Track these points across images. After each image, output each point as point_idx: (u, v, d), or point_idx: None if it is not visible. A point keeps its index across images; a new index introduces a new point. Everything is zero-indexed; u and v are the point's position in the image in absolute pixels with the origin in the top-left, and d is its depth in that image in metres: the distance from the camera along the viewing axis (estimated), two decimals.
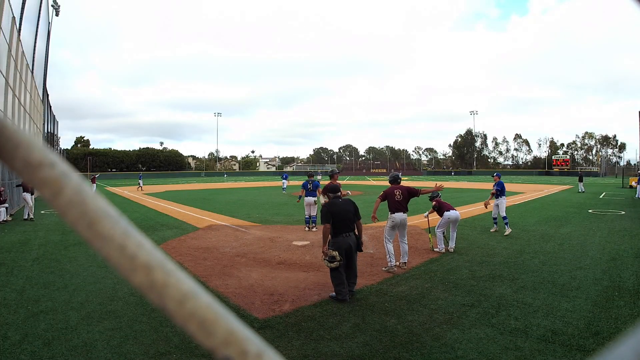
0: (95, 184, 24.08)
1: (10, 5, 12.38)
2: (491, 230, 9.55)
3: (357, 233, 5.15)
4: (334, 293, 4.87)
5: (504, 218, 9.16)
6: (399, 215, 6.15)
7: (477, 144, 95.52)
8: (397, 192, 6.22)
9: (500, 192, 9.42)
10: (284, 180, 26.91)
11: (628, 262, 6.46)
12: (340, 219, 4.96)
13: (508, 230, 9.00)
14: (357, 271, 5.13)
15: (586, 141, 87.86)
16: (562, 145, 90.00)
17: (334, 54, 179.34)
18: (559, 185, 32.84)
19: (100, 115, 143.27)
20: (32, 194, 12.31)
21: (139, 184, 29.90)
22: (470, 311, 4.37)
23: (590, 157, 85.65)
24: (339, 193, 5.34)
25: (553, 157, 79.37)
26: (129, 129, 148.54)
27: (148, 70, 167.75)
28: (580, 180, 26.03)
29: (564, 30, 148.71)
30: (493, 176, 9.96)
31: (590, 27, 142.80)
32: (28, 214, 12.42)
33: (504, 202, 9.40)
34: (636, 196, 20.54)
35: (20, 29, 14.52)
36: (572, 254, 7.12)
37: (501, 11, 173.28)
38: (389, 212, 6.19)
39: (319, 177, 43.28)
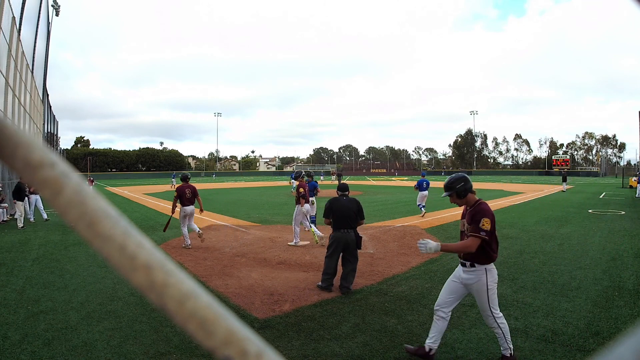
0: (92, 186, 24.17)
1: (10, 5, 12.38)
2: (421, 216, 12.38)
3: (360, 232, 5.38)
4: (319, 282, 5.25)
5: (419, 205, 12.63)
6: (189, 208, 8.01)
7: (477, 144, 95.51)
8: (188, 191, 8.02)
9: (419, 187, 12.69)
10: (292, 180, 27.15)
11: (628, 262, 6.46)
12: (340, 216, 5.21)
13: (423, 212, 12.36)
14: (356, 268, 5.26)
15: (586, 141, 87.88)
16: (562, 145, 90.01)
17: (333, 55, 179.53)
18: (559, 185, 32.82)
19: (100, 115, 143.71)
20: (22, 201, 11.33)
21: (172, 182, 31.60)
22: (470, 311, 4.36)
23: (590, 157, 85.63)
24: (347, 192, 5.58)
25: (553, 157, 79.33)
26: (129, 129, 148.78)
27: (148, 71, 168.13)
28: (564, 180, 26.57)
29: (561, 30, 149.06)
30: (422, 174, 13.84)
31: (587, 27, 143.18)
32: (22, 221, 11.19)
33: (422, 194, 12.61)
34: (636, 196, 20.54)
35: (20, 29, 14.51)
36: (572, 254, 7.12)
37: (499, 12, 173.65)
38: (181, 205, 7.97)
39: (321, 178, 43.31)
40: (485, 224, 3.06)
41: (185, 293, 0.26)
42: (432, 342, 3.28)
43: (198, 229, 8.00)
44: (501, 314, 3.21)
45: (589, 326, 3.93)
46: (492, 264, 3.20)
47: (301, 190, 8.34)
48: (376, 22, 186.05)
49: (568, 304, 4.54)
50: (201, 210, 8.50)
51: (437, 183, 40.03)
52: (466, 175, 3.31)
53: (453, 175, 3.33)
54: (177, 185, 8.47)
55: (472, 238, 3.07)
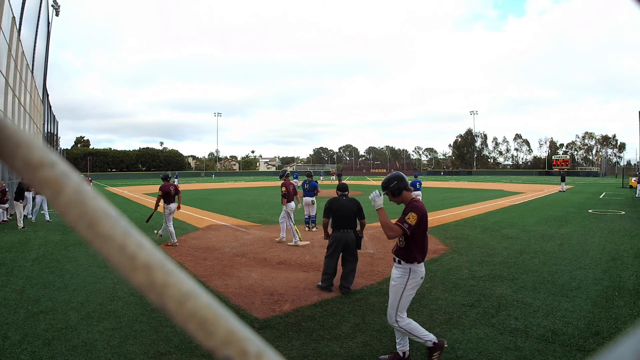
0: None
1: (10, 5, 12.38)
2: None
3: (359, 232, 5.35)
4: (319, 282, 5.25)
5: None
6: (174, 205, 8.47)
7: (477, 144, 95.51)
8: (172, 189, 8.49)
9: (412, 187, 12.47)
10: (295, 180, 27.26)
11: (628, 262, 6.47)
12: (340, 216, 5.22)
13: None
14: (356, 268, 5.26)
15: (586, 141, 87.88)
16: (562, 145, 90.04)
17: (333, 55, 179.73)
18: (559, 185, 32.85)
19: (100, 115, 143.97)
20: (21, 200, 11.20)
21: (174, 182, 32.17)
22: (470, 311, 4.37)
23: (590, 157, 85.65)
24: (347, 192, 5.60)
25: (553, 157, 79.30)
26: (129, 129, 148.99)
27: (148, 71, 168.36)
28: (563, 180, 26.71)
29: (561, 30, 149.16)
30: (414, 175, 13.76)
31: (587, 27, 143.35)
32: (22, 221, 11.05)
33: (415, 193, 12.62)
34: (636, 196, 20.54)
35: (20, 29, 14.52)
36: (572, 254, 7.12)
37: (499, 12, 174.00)
38: (165, 203, 8.33)
39: (321, 178, 43.31)
40: (411, 217, 3.13)
41: (185, 293, 0.26)
42: (401, 346, 3.30)
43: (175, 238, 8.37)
44: (403, 318, 3.20)
45: (589, 326, 3.93)
46: (419, 266, 3.24)
47: (283, 189, 8.41)
48: (376, 22, 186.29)
49: (568, 304, 4.54)
50: (179, 208, 8.71)
51: (437, 183, 39.86)
52: (402, 174, 3.37)
53: (389, 174, 3.41)
54: (177, 185, 8.73)
55: (396, 225, 3.15)
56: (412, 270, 3.21)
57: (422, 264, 3.26)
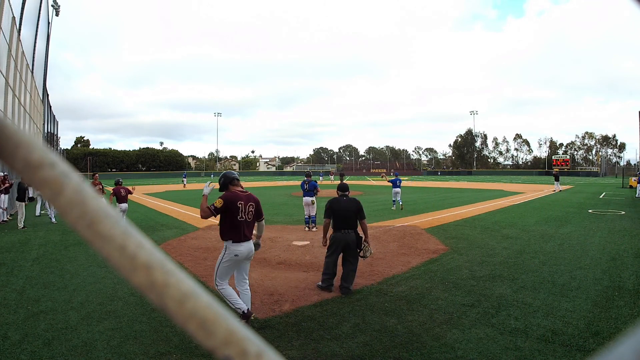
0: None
1: (10, 5, 12.38)
2: (392, 208, 14.70)
3: (361, 232, 5.37)
4: (319, 282, 5.28)
5: (398, 200, 14.78)
6: (124, 205, 9.58)
7: (477, 144, 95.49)
8: (122, 191, 9.58)
9: (393, 184, 14.65)
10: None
11: (628, 262, 6.46)
12: (340, 216, 5.21)
13: (400, 205, 14.58)
14: (356, 269, 5.25)
15: (586, 141, 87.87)
16: (562, 145, 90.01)
17: (333, 55, 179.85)
18: (553, 185, 32.81)
19: (100, 115, 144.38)
20: (23, 201, 11.14)
21: (183, 182, 35.98)
22: (470, 311, 4.37)
23: (590, 157, 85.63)
24: (347, 192, 5.59)
25: (553, 157, 79.30)
26: (129, 129, 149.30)
27: (148, 71, 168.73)
28: (557, 179, 26.23)
29: (561, 31, 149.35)
30: (395, 174, 15.66)
31: (587, 27, 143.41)
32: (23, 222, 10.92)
33: (395, 190, 14.72)
34: (636, 196, 20.54)
35: (20, 29, 14.52)
36: (572, 254, 7.12)
37: (499, 12, 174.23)
38: (117, 203, 9.41)
39: (320, 178, 43.31)
40: (217, 202, 3.91)
41: (185, 293, 0.26)
42: (238, 307, 3.91)
43: None
44: (221, 284, 3.91)
45: (589, 326, 3.93)
46: (234, 245, 3.92)
47: None
48: (376, 22, 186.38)
49: (568, 304, 4.54)
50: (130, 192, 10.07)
51: (437, 183, 39.86)
52: (228, 173, 4.20)
53: (224, 172, 4.28)
54: (134, 187, 10.59)
55: (207, 207, 3.95)
56: (227, 247, 3.94)
57: (241, 244, 3.93)
